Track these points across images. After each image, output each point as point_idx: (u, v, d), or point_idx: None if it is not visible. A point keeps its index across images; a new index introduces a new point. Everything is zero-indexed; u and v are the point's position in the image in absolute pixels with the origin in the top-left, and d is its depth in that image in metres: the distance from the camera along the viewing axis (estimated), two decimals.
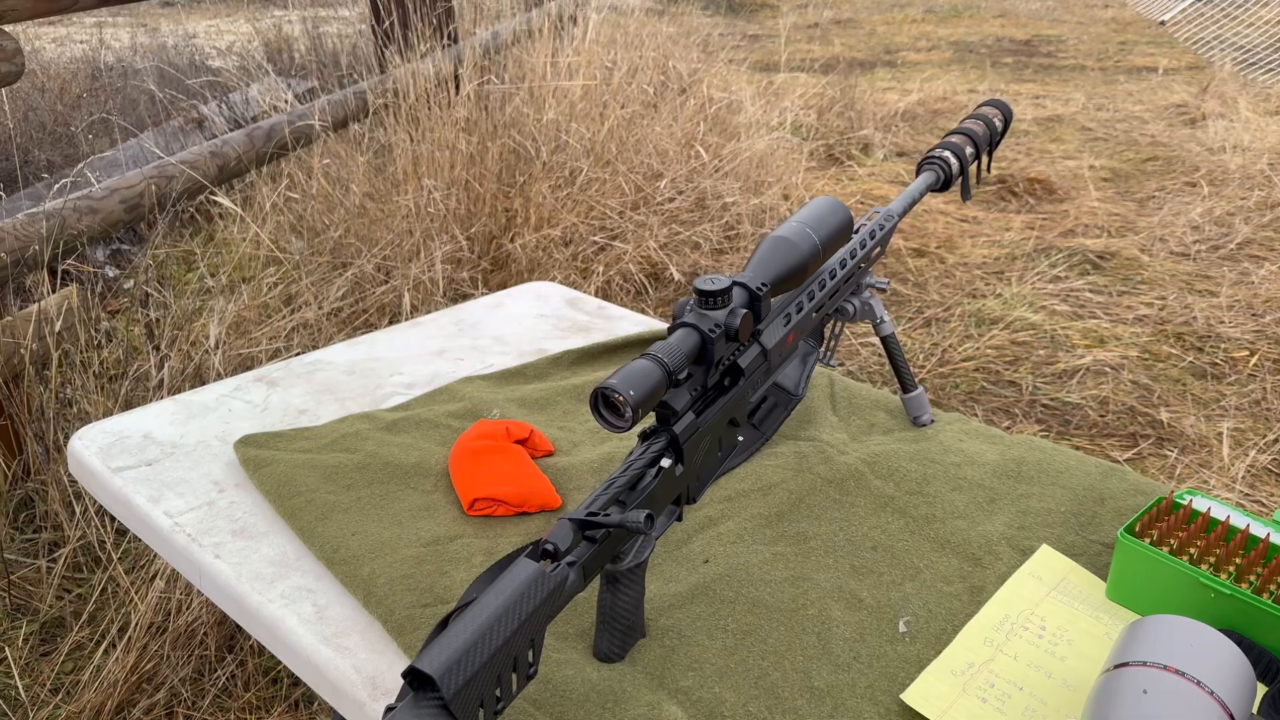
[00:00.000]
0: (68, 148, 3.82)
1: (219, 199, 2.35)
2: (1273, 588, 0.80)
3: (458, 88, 3.23)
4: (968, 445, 1.09)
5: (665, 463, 0.81)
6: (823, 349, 1.18)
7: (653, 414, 0.83)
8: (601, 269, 2.84)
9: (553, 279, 2.81)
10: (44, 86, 4.66)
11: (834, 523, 0.97)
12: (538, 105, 3.27)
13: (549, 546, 0.72)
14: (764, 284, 0.89)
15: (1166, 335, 2.93)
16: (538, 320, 1.45)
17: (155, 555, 1.72)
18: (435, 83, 3.13)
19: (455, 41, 3.80)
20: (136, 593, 1.66)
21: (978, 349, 2.85)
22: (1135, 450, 2.36)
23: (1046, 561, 0.90)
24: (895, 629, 0.84)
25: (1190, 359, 2.79)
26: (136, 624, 1.61)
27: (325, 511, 0.98)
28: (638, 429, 0.86)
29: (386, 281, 2.54)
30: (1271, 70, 6.27)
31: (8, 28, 2.20)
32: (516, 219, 2.90)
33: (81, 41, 6.95)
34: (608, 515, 0.74)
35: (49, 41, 7.13)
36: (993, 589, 0.87)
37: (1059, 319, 3.03)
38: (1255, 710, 0.76)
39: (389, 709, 0.64)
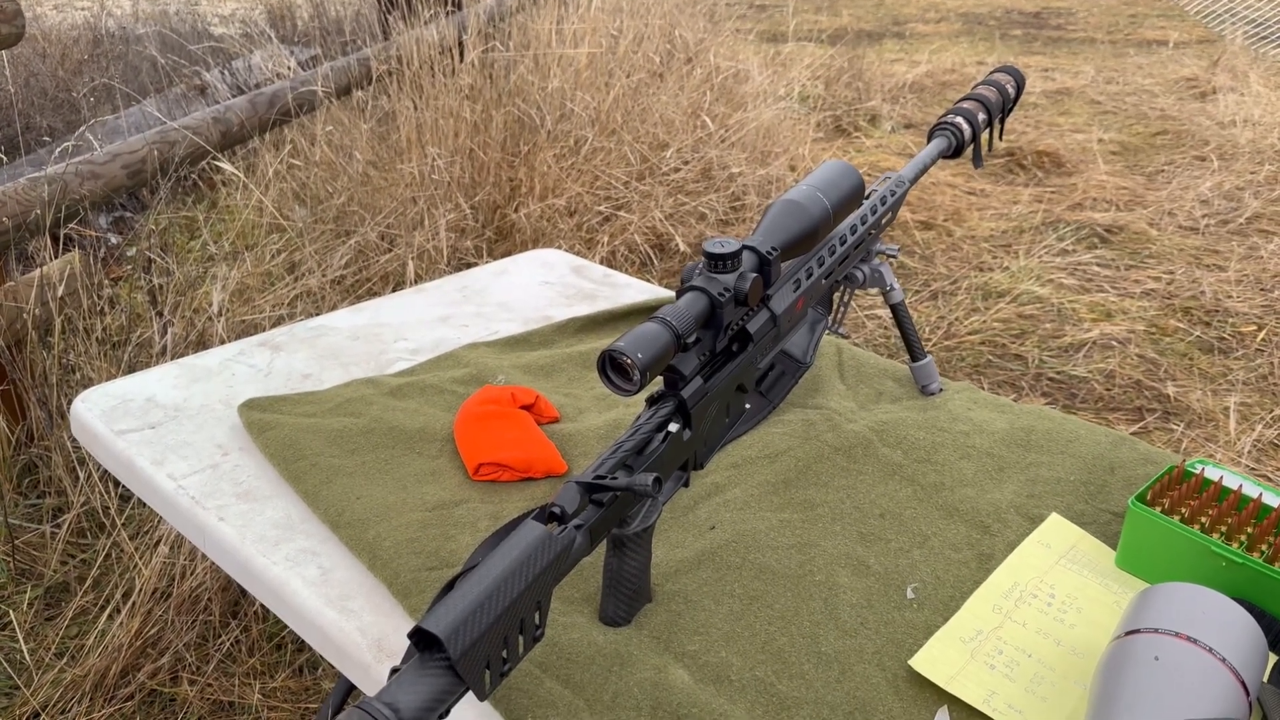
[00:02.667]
0: (69, 114, 3.79)
1: (222, 164, 2.33)
2: None
3: (462, 55, 3.20)
4: (976, 414, 1.09)
5: (673, 427, 0.80)
6: (831, 317, 1.17)
7: (660, 379, 0.82)
8: (606, 239, 2.83)
9: (558, 249, 2.80)
10: (45, 52, 4.62)
11: (841, 490, 0.97)
12: (542, 73, 3.24)
13: (556, 509, 0.71)
14: (774, 248, 0.88)
15: (1174, 309, 2.92)
16: (543, 287, 1.44)
17: (159, 521, 1.72)
18: (439, 50, 3.09)
19: (459, 8, 3.75)
20: (141, 558, 1.66)
21: (984, 322, 2.84)
22: (1141, 424, 2.35)
23: (1055, 529, 0.90)
24: (903, 595, 0.83)
25: (1198, 333, 2.78)
26: (141, 589, 1.61)
27: (330, 475, 0.97)
28: (645, 393, 0.85)
29: (390, 250, 2.52)
30: None
31: None
32: (521, 188, 2.88)
33: (83, 8, 6.88)
34: (615, 479, 0.73)
35: (50, 7, 7.07)
36: (1001, 556, 0.87)
37: (1066, 292, 3.01)
38: (1265, 679, 0.75)
39: (394, 670, 0.63)
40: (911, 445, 1.03)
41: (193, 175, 2.74)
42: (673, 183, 3.09)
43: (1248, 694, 0.66)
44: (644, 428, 0.79)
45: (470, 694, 0.64)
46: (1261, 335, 2.77)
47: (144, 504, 1.81)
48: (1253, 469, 2.17)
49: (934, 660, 0.75)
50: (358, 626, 0.82)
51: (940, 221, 3.56)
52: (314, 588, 0.86)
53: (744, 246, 0.87)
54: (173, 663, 1.58)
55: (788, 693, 0.73)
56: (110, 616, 1.64)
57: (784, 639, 0.79)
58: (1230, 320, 2.85)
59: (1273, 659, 0.76)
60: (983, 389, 2.51)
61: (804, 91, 4.69)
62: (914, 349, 1.16)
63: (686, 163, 3.18)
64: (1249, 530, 0.82)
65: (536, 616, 0.69)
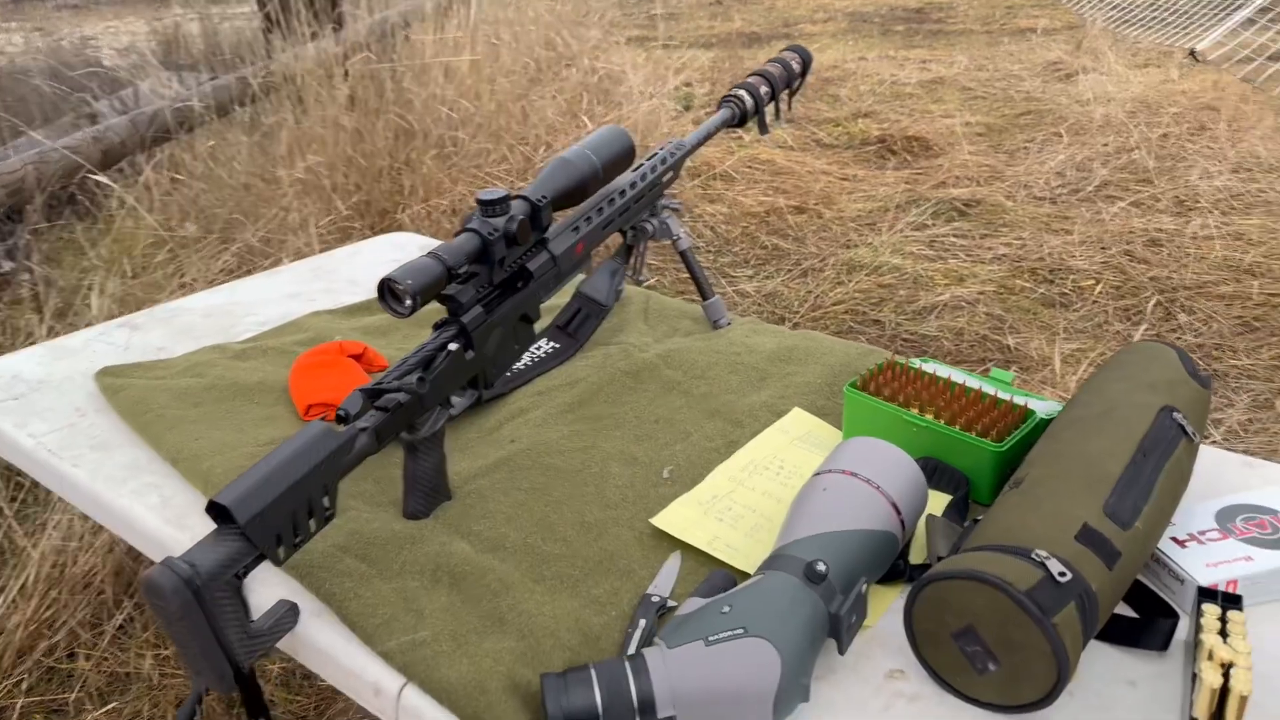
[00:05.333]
0: None
1: (101, 179, 2.41)
2: (962, 419, 0.97)
3: (345, 70, 3.32)
4: (752, 339, 1.25)
5: (453, 347, 0.95)
6: (630, 265, 1.33)
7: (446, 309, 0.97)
8: None
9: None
10: None
11: (626, 404, 1.12)
12: (425, 82, 3.37)
13: (340, 412, 0.86)
14: (543, 196, 1.03)
15: (1021, 270, 3.16)
16: (392, 265, 1.57)
17: (50, 508, 1.81)
18: (320, 64, 3.21)
19: (341, 25, 3.87)
20: (34, 547, 1.75)
21: (847, 293, 3.04)
22: (983, 370, 2.56)
23: (796, 419, 1.06)
24: (660, 476, 0.99)
25: (1041, 290, 3.02)
26: (33, 575, 1.70)
27: (173, 423, 1.09)
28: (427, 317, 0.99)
29: (272, 255, 2.63)
30: (1143, 26, 6.60)
31: None
32: (405, 191, 3.01)
33: None
34: (392, 384, 0.88)
35: None
36: (746, 443, 1.03)
37: (923, 262, 3.23)
38: (941, 514, 0.92)
39: None
40: (690, 366, 1.19)
41: (74, 191, 2.81)
42: None
43: (899, 514, 0.83)
44: (428, 347, 0.94)
45: (272, 568, 0.78)
46: (1099, 289, 3.02)
47: (35, 500, 1.90)
48: None
49: (671, 518, 0.91)
50: (192, 538, 0.94)
51: (812, 205, 3.78)
52: (155, 512, 0.98)
53: (516, 195, 1.02)
54: (68, 640, 1.67)
55: (550, 551, 0.88)
56: (2, 603, 1.72)
57: (556, 516, 0.94)
58: (1072, 277, 3.10)
59: (947, 499, 0.93)
60: None
61: (688, 92, 4.89)
62: (703, 289, 1.33)
63: None
64: (939, 404, 1.00)
65: (326, 500, 0.83)
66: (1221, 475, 0.95)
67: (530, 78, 3.69)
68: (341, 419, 0.86)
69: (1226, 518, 0.85)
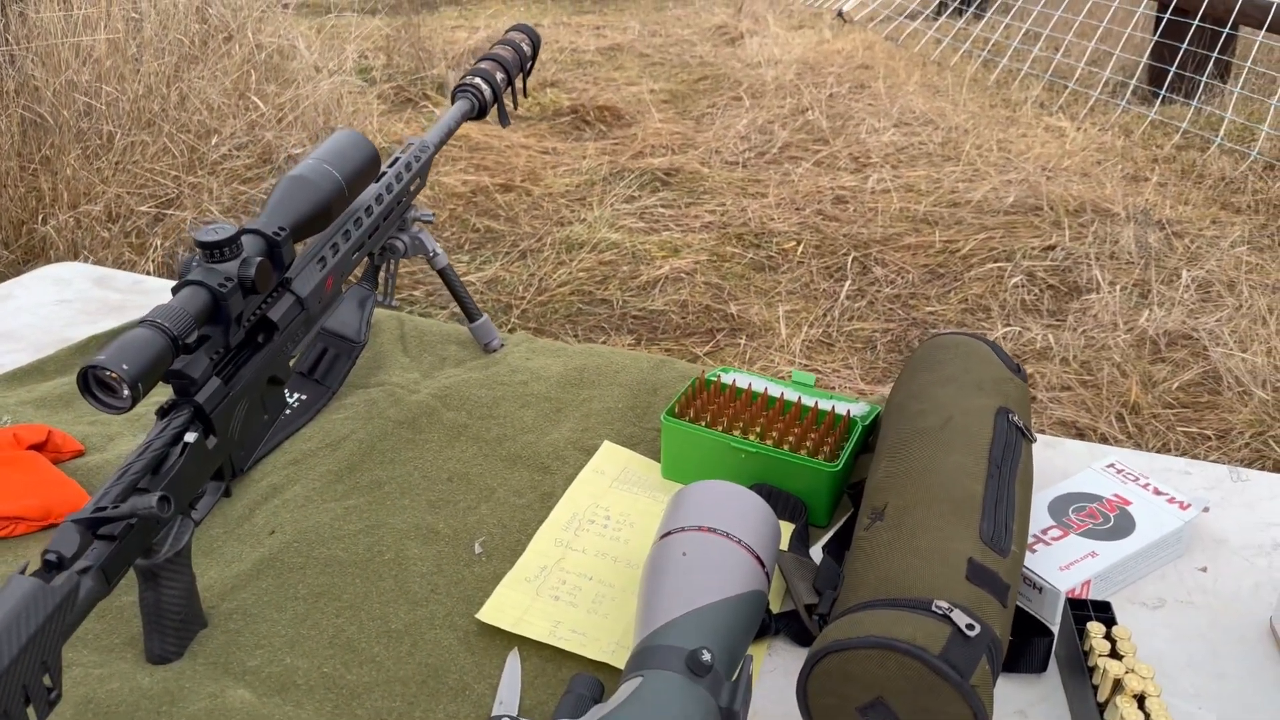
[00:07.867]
0: None
1: None
2: (790, 438, 0.91)
3: None
4: (534, 362, 1.12)
5: (190, 437, 0.74)
6: (379, 291, 1.14)
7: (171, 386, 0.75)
8: (160, 242, 2.57)
9: (101, 261, 2.49)
10: None
11: (408, 463, 0.95)
12: (54, 67, 2.85)
13: (51, 556, 0.63)
14: (282, 228, 0.83)
15: (729, 237, 3.23)
16: (58, 307, 1.27)
17: None
18: None
19: None
20: None
21: (571, 274, 2.96)
22: (713, 342, 2.59)
23: (608, 455, 0.95)
24: (471, 553, 0.84)
25: (750, 255, 3.11)
26: None
27: None
28: (152, 405, 0.78)
29: None
30: None
31: None
32: (46, 198, 2.53)
33: None
34: (117, 508, 0.66)
35: None
36: (561, 492, 0.90)
37: (638, 235, 3.23)
38: (786, 547, 0.85)
39: None
40: (475, 404, 1.04)
41: None
42: (228, 171, 2.87)
43: (763, 566, 0.74)
44: (155, 444, 0.72)
45: None
46: (801, 249, 3.16)
47: None
48: (805, 364, 2.48)
49: (500, 607, 0.77)
50: None
51: (519, 183, 3.65)
52: None
53: (246, 230, 0.81)
54: None
55: (357, 680, 0.71)
56: None
57: (353, 628, 0.76)
58: (775, 239, 3.22)
59: (791, 528, 0.87)
60: (576, 337, 2.61)
61: (365, 65, 4.56)
62: (469, 310, 1.17)
63: (241, 147, 2.97)
64: (761, 422, 0.93)
65: (46, 679, 0.61)
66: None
67: (184, 56, 3.24)
68: (54, 565, 0.63)
69: (1059, 511, 0.84)
